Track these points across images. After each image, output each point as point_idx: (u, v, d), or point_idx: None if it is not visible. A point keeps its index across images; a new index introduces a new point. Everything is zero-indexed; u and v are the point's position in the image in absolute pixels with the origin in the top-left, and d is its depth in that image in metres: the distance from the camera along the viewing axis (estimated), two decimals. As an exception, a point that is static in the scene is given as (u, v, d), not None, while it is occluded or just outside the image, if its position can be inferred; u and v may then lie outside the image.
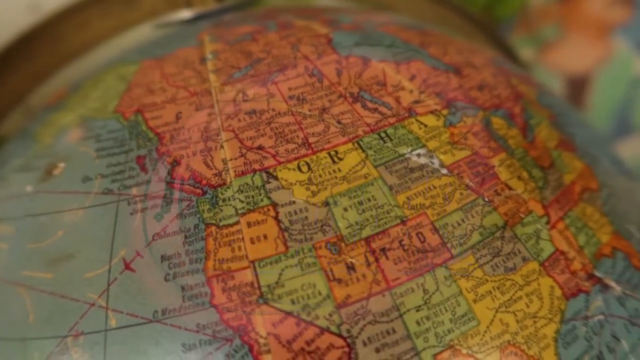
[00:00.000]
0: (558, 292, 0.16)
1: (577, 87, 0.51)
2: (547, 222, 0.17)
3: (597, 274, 0.17)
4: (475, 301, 0.15)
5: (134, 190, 0.16)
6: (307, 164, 0.16)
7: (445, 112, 0.18)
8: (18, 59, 0.24)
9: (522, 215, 0.16)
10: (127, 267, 0.15)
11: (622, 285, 0.17)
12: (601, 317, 0.16)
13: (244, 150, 0.16)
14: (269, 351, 0.14)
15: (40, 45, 0.25)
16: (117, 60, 0.22)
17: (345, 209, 0.15)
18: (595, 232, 0.17)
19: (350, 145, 0.16)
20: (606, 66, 0.49)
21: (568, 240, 0.17)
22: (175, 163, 0.16)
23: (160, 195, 0.16)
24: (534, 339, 0.15)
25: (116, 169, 0.17)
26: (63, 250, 0.16)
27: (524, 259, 0.16)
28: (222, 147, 0.16)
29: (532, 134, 0.19)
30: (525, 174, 0.17)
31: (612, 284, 0.17)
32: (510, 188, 0.17)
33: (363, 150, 0.16)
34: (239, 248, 0.15)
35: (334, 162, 0.16)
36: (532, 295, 0.15)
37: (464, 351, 0.14)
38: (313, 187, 0.16)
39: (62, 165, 0.18)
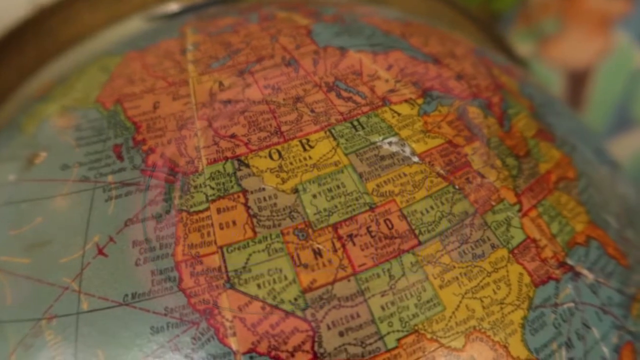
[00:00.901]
0: (527, 279, 0.16)
1: (578, 80, 0.50)
2: (519, 210, 0.17)
3: (569, 262, 0.17)
4: (441, 287, 0.15)
5: (110, 178, 0.16)
6: (279, 151, 0.16)
7: (420, 101, 0.18)
8: (10, 52, 0.25)
9: (494, 203, 0.16)
10: (100, 252, 0.15)
11: (595, 274, 0.17)
12: (571, 304, 0.16)
13: (217, 139, 0.16)
14: (234, 334, 0.14)
15: (31, 39, 0.25)
16: (102, 52, 0.23)
17: (314, 196, 0.15)
18: (569, 221, 0.17)
19: (322, 133, 0.17)
20: (607, 59, 0.49)
21: (540, 228, 0.17)
22: (150, 151, 0.17)
23: (134, 183, 0.16)
24: (500, 325, 0.15)
25: (94, 157, 0.17)
26: (40, 236, 0.16)
27: (493, 246, 0.16)
28: (196, 135, 0.17)
29: (510, 123, 0.19)
30: (498, 163, 0.17)
31: (585, 272, 0.17)
32: (482, 176, 0.17)
33: (334, 139, 0.16)
34: (208, 234, 0.15)
35: (305, 150, 0.16)
36: (500, 282, 0.15)
37: (429, 336, 0.14)
38: (283, 175, 0.16)
39: (43, 154, 0.18)
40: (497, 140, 0.18)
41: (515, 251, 0.16)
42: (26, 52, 0.25)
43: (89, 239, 0.16)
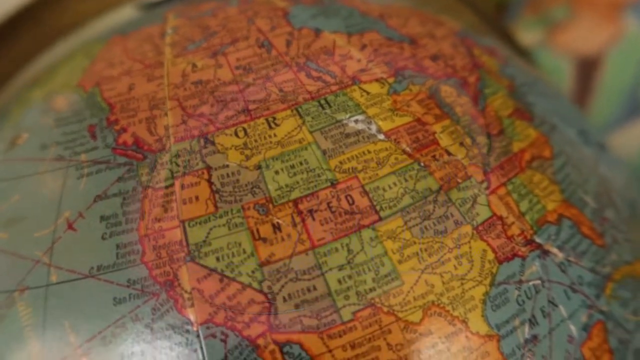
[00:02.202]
0: (491, 255, 0.16)
1: (588, 68, 0.49)
2: (487, 188, 0.17)
3: (538, 240, 0.16)
4: (400, 262, 0.15)
5: (83, 157, 0.17)
6: (244, 129, 0.16)
7: (391, 80, 0.18)
8: (5, 41, 0.26)
9: (460, 180, 0.16)
10: (70, 227, 0.16)
11: (566, 252, 0.17)
12: (537, 282, 0.16)
13: (185, 118, 0.17)
14: (192, 305, 0.14)
15: (27, 28, 0.26)
16: (90, 39, 0.23)
17: (277, 172, 0.16)
18: (540, 199, 0.17)
19: (288, 112, 0.17)
20: (617, 46, 0.48)
21: (508, 205, 0.17)
22: (122, 130, 0.17)
23: (105, 161, 0.17)
24: (460, 301, 0.15)
25: (70, 137, 0.18)
26: (17, 213, 0.17)
27: (457, 223, 0.16)
28: (166, 114, 0.17)
29: (484, 102, 0.19)
30: (468, 141, 0.17)
31: (554, 250, 0.17)
32: (449, 154, 0.17)
33: (300, 117, 0.17)
34: (172, 209, 0.15)
35: (270, 127, 0.16)
36: (462, 258, 0.15)
37: (385, 309, 0.14)
38: (247, 152, 0.16)
39: (25, 135, 0.19)
40: (469, 118, 0.18)
41: (480, 228, 0.16)
42: (22, 41, 0.26)
43: (61, 215, 0.16)
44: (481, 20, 0.35)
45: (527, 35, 0.50)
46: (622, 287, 0.18)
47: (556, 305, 0.16)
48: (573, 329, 0.16)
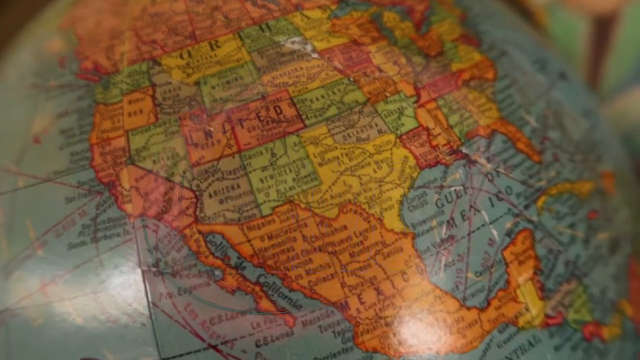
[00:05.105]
0: (412, 162, 0.16)
1: (604, 26, 0.48)
2: (416, 102, 0.17)
3: (464, 150, 0.17)
4: (320, 164, 0.16)
5: (52, 82, 0.19)
6: (189, 52, 0.18)
7: (334, 7, 0.19)
8: (7, 5, 0.28)
9: (388, 94, 0.17)
10: (36, 141, 0.18)
11: (495, 164, 0.17)
12: (459, 188, 0.16)
13: (139, 44, 0.18)
14: (130, 201, 0.16)
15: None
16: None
17: (213, 87, 0.17)
18: (473, 115, 0.18)
19: (230, 35, 0.18)
20: (633, 3, 0.46)
21: (437, 118, 0.17)
22: (85, 59, 0.19)
23: (68, 84, 0.18)
24: (376, 201, 0.16)
25: (44, 68, 0.20)
26: (-2, 134, 0.19)
27: (380, 132, 0.16)
28: (123, 43, 0.19)
29: (428, 27, 0.19)
30: (403, 60, 0.18)
31: (482, 161, 0.17)
32: (381, 71, 0.18)
33: (241, 39, 0.18)
34: (118, 120, 0.17)
35: (212, 49, 0.18)
36: (382, 163, 0.16)
37: (303, 206, 0.15)
38: (189, 70, 0.17)
39: (10, 71, 0.21)
40: (407, 41, 0.19)
41: (404, 137, 0.17)
42: (20, 4, 0.28)
43: (30, 131, 0.18)
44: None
45: (542, -5, 0.49)
46: (559, 201, 0.18)
47: (478, 211, 0.16)
48: (495, 233, 0.16)
